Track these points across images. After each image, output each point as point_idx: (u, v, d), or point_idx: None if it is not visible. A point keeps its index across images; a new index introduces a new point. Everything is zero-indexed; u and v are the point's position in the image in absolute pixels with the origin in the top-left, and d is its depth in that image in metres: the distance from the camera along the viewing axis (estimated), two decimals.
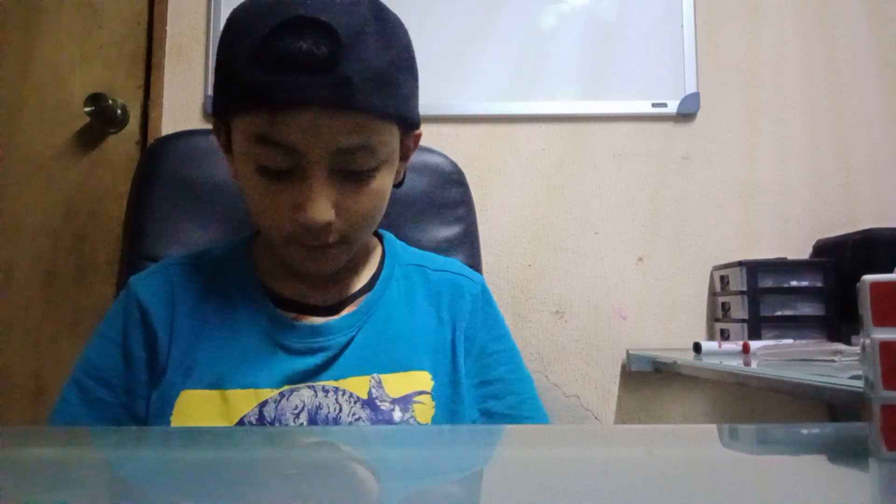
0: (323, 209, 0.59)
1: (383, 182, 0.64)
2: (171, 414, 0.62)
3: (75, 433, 0.55)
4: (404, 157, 0.71)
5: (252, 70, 0.56)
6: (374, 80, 0.57)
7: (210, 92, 1.45)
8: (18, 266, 1.43)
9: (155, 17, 1.48)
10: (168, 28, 1.48)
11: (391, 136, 0.63)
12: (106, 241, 1.42)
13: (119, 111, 1.45)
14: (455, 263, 0.80)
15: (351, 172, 0.61)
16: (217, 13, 1.46)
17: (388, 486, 0.35)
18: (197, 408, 0.62)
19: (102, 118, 1.44)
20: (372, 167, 0.61)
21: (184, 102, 1.46)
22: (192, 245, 0.90)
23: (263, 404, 0.62)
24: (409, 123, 0.65)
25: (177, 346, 0.66)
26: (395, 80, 0.60)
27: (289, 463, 0.39)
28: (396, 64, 0.60)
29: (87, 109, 1.42)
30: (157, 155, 0.95)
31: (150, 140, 1.43)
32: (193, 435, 0.53)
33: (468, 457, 0.44)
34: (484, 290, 0.77)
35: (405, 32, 0.64)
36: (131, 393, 0.66)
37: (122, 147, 1.46)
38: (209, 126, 1.55)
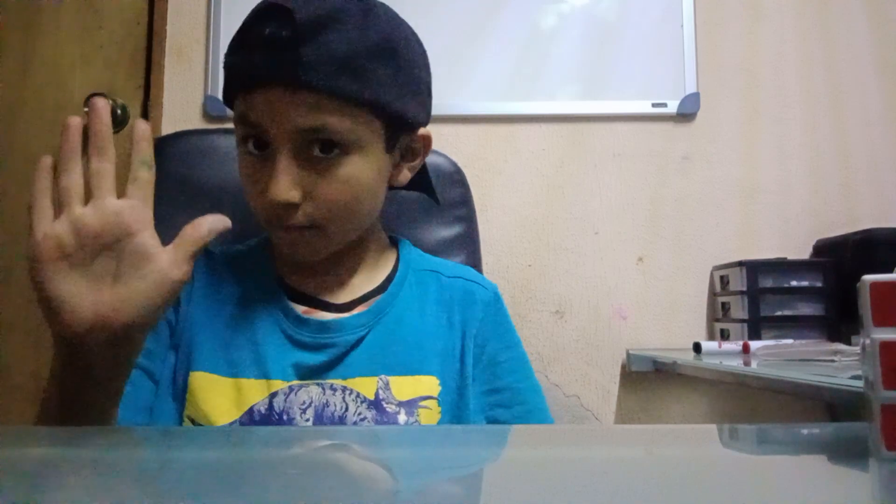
0: (283, 188, 0.61)
1: (356, 171, 0.63)
2: (184, 393, 0.64)
3: (75, 433, 0.55)
4: (409, 157, 0.71)
5: (229, 56, 0.63)
6: (336, 64, 0.59)
7: (210, 91, 1.45)
8: (18, 266, 1.43)
9: (155, 17, 1.48)
10: (168, 28, 1.48)
11: (359, 124, 0.62)
12: None
13: (119, 111, 1.45)
14: (468, 270, 0.80)
15: (316, 157, 0.62)
16: (217, 13, 1.46)
17: (389, 485, 0.35)
18: (209, 391, 0.64)
19: None
20: (335, 152, 0.62)
21: (184, 102, 1.46)
22: None
23: (274, 395, 0.64)
24: (391, 115, 0.64)
25: (186, 328, 0.68)
26: (367, 69, 0.61)
27: (290, 463, 0.39)
28: (371, 52, 0.61)
29: (87, 109, 1.42)
30: (158, 155, 0.94)
31: None
32: (194, 435, 0.54)
33: (468, 457, 0.44)
34: (496, 298, 0.77)
35: (395, 25, 0.65)
36: (151, 355, 0.67)
37: (122, 147, 1.46)
38: (209, 126, 1.55)
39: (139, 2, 1.50)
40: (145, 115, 1.46)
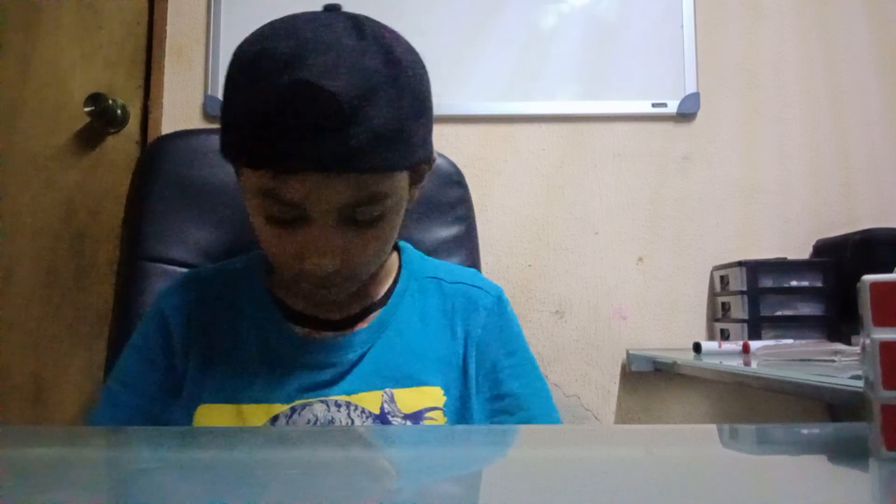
0: (329, 259, 0.59)
1: (391, 225, 0.64)
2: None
3: (75, 433, 0.55)
4: (420, 180, 0.69)
5: (255, 131, 0.56)
6: (380, 140, 0.56)
7: (210, 91, 1.45)
8: (18, 266, 1.43)
9: (155, 17, 1.48)
10: (168, 28, 1.48)
11: (399, 184, 0.62)
12: (106, 241, 1.42)
13: (119, 111, 1.45)
14: (471, 274, 0.79)
15: (358, 221, 0.60)
16: (217, 13, 1.46)
17: (389, 485, 0.35)
18: (214, 422, 0.64)
19: (102, 118, 1.44)
20: (379, 215, 0.61)
21: (184, 102, 1.46)
22: (191, 245, 0.90)
23: (275, 419, 0.63)
24: (421, 163, 0.64)
25: (193, 360, 0.68)
26: (406, 132, 0.58)
27: (290, 463, 0.39)
28: (407, 114, 0.58)
29: (87, 109, 1.42)
30: (157, 155, 0.95)
31: (150, 140, 1.43)
32: (194, 435, 0.54)
33: (468, 457, 0.44)
34: (500, 303, 0.76)
35: (419, 72, 0.61)
36: (153, 398, 0.68)
37: (122, 147, 1.46)
38: (209, 126, 1.55)
39: (139, 2, 1.49)
40: (145, 115, 1.46)
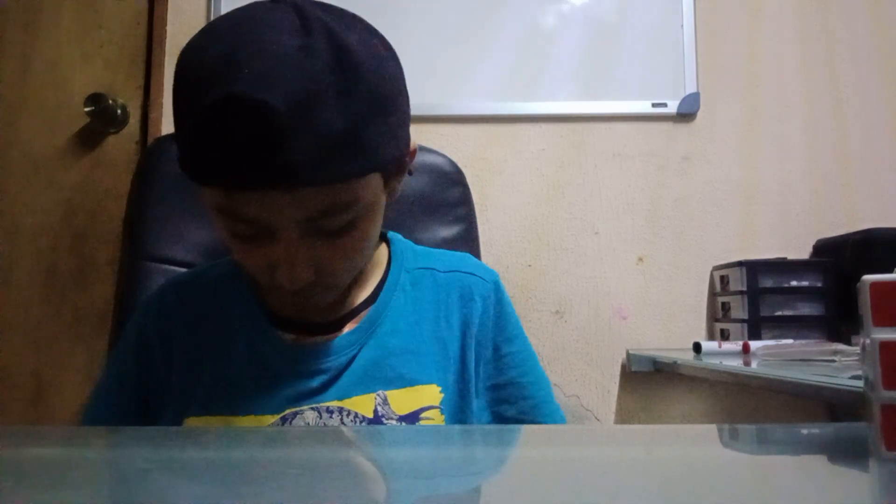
0: (299, 272, 0.56)
1: (365, 229, 0.60)
2: None
3: (75, 433, 0.55)
4: (399, 174, 0.65)
5: (196, 147, 0.53)
6: (332, 149, 0.51)
7: None
8: (18, 266, 1.43)
9: (155, 17, 1.48)
10: (168, 28, 1.48)
11: (366, 186, 0.57)
12: (106, 241, 1.42)
13: (119, 111, 1.45)
14: (466, 261, 0.76)
15: (325, 230, 0.56)
16: (217, 13, 1.46)
17: (388, 485, 0.35)
18: None
19: (102, 118, 1.44)
20: (347, 222, 0.57)
21: None
22: (191, 245, 0.90)
23: None
24: (390, 163, 0.59)
25: (177, 371, 0.66)
26: (364, 135, 0.53)
27: (290, 463, 0.39)
28: (364, 115, 0.53)
29: (87, 109, 1.42)
30: (157, 155, 0.95)
31: (150, 140, 1.43)
32: (194, 435, 0.54)
33: (468, 457, 0.44)
34: (497, 289, 0.74)
35: (378, 63, 0.55)
36: (131, 414, 0.67)
37: (122, 147, 1.46)
38: None
39: (139, 2, 1.50)
40: (145, 115, 1.46)
